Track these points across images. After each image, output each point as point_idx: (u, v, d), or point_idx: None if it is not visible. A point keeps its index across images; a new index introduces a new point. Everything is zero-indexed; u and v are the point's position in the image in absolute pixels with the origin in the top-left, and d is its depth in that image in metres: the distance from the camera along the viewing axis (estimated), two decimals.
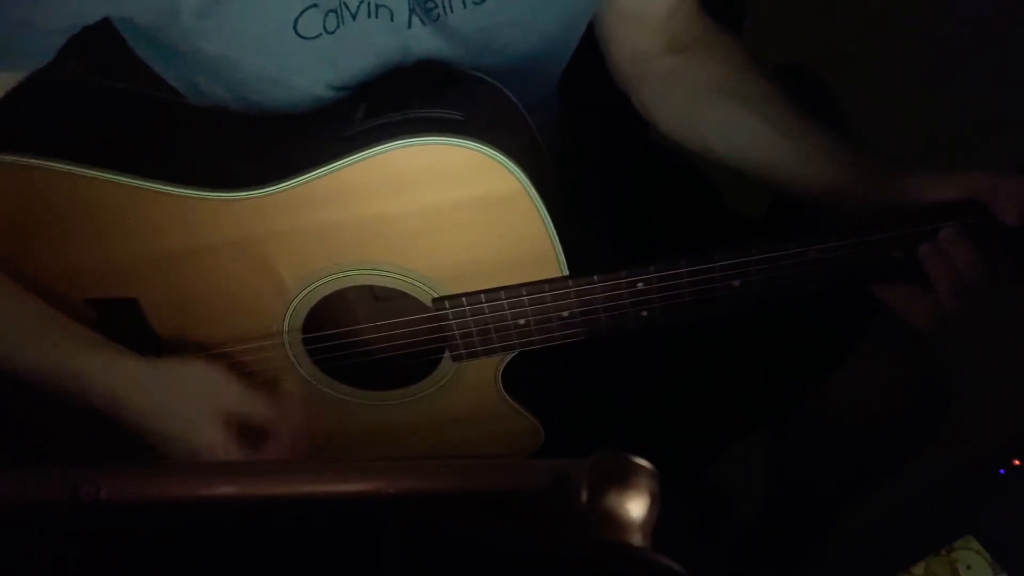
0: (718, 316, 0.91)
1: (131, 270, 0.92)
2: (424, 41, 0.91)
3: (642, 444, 0.50)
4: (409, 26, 0.90)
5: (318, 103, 0.93)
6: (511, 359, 0.96)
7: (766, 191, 1.05)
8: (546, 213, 0.86)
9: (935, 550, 0.88)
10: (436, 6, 0.90)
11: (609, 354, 0.99)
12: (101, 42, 0.93)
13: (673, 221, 1.13)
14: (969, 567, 0.87)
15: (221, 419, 0.92)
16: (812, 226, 0.91)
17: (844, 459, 1.16)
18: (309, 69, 0.90)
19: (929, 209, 0.87)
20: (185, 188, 0.88)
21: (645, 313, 0.91)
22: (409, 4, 0.88)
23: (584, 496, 0.45)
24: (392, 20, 0.89)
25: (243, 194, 0.88)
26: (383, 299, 0.97)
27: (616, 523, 0.45)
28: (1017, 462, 0.92)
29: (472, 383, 0.97)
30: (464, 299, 0.91)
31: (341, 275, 0.91)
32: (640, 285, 0.89)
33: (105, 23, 0.90)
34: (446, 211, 0.87)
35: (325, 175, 0.86)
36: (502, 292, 0.90)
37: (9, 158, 0.87)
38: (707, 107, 1.03)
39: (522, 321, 0.92)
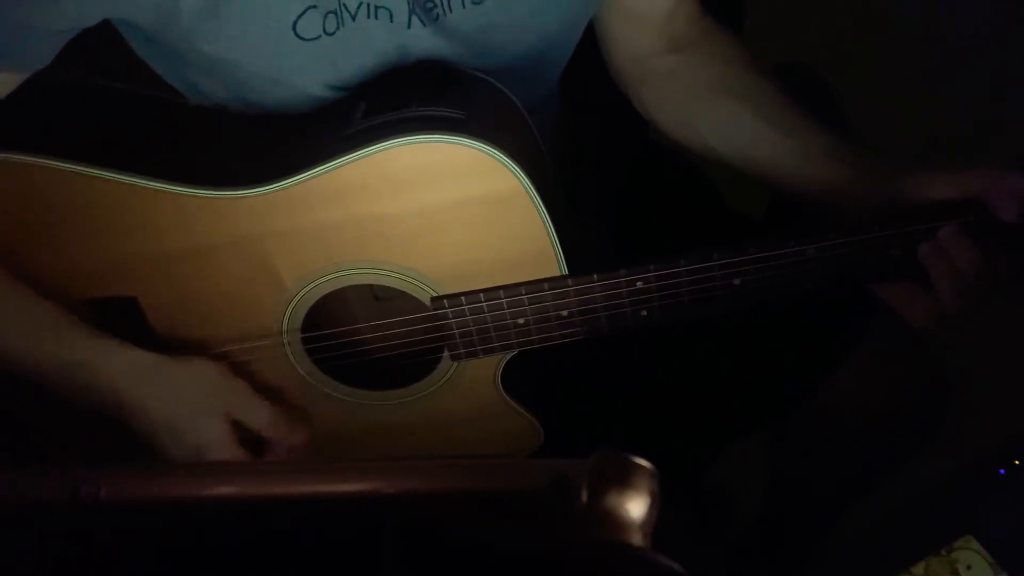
0: (717, 315, 0.91)
1: (130, 269, 0.92)
2: (423, 41, 0.91)
3: (642, 444, 0.50)
4: (409, 26, 0.90)
5: (318, 103, 0.93)
6: (510, 359, 0.96)
7: (766, 191, 1.05)
8: (546, 213, 0.86)
9: (935, 550, 0.88)
10: (436, 6, 0.90)
11: (609, 354, 0.99)
12: (101, 42, 0.93)
13: (673, 221, 1.13)
14: (969, 567, 0.87)
15: (223, 416, 0.92)
16: (811, 225, 0.91)
17: (844, 459, 1.16)
18: (308, 70, 0.90)
19: (929, 208, 0.87)
20: (185, 187, 0.88)
21: (645, 312, 0.91)
22: (408, 5, 0.88)
23: (584, 496, 0.45)
24: (391, 21, 0.89)
25: (242, 193, 0.88)
26: (382, 298, 0.97)
27: (616, 523, 0.45)
28: (1017, 462, 0.92)
29: (471, 383, 0.97)
30: (463, 298, 0.91)
31: (340, 274, 0.91)
32: (639, 284, 0.89)
33: (105, 24, 0.90)
34: (445, 210, 0.87)
35: (324, 174, 0.86)
36: (501, 291, 0.90)
37: (9, 156, 0.87)
38: (707, 107, 1.03)
39: (521, 321, 0.92)
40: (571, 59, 1.05)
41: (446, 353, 0.95)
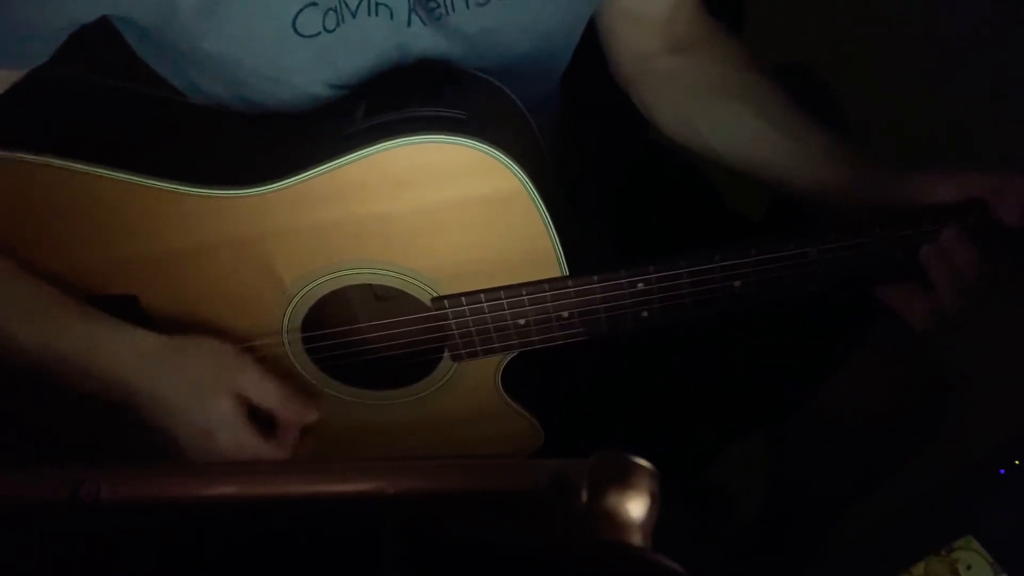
0: (718, 316, 0.91)
1: (131, 267, 0.92)
2: (424, 40, 0.91)
3: (642, 444, 0.50)
4: (409, 25, 0.90)
5: (318, 102, 0.93)
6: (511, 359, 0.96)
7: (766, 191, 1.05)
8: (546, 213, 0.86)
9: (935, 550, 0.88)
10: (438, 5, 0.90)
11: (609, 354, 0.99)
12: (101, 41, 0.93)
13: (673, 221, 1.13)
14: (969, 567, 0.87)
15: (232, 394, 0.91)
16: (812, 226, 0.91)
17: (844, 459, 1.16)
18: (308, 68, 0.90)
19: (930, 209, 0.87)
20: (185, 186, 0.88)
21: (645, 313, 0.91)
22: (409, 3, 0.88)
23: (584, 496, 0.45)
24: (392, 19, 0.89)
25: (243, 192, 0.88)
26: (382, 298, 0.97)
27: (616, 523, 0.45)
28: (1017, 462, 0.92)
29: (472, 383, 0.97)
30: (463, 299, 0.91)
31: (340, 274, 0.91)
32: (640, 285, 0.89)
33: (105, 22, 0.90)
34: (446, 210, 0.87)
35: (325, 173, 0.86)
36: (502, 292, 0.90)
37: (10, 155, 0.87)
38: (708, 107, 1.03)
39: (522, 321, 0.92)
40: (572, 59, 1.05)
41: (446, 353, 0.95)
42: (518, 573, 0.43)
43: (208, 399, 0.91)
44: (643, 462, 0.46)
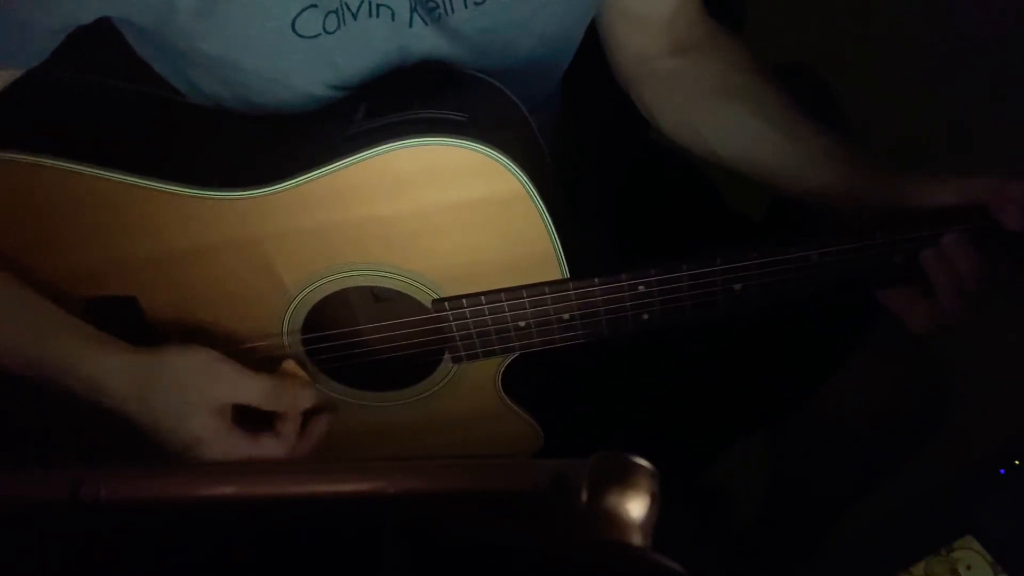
0: (719, 319, 0.91)
1: (130, 269, 0.92)
2: (425, 41, 0.91)
3: (642, 444, 0.50)
4: (410, 26, 0.90)
5: (318, 103, 0.93)
6: (511, 361, 0.96)
7: (766, 191, 1.05)
8: (547, 215, 0.86)
9: (935, 550, 0.88)
10: (437, 6, 0.90)
11: (609, 355, 0.99)
12: (101, 41, 0.93)
13: (673, 222, 1.13)
14: (969, 567, 0.87)
15: (211, 408, 0.90)
16: (812, 227, 0.91)
17: (844, 459, 1.16)
18: (308, 69, 0.90)
19: (930, 213, 0.87)
20: (185, 187, 0.88)
21: (646, 316, 0.91)
22: (410, 4, 0.88)
23: (584, 496, 0.45)
24: (393, 20, 0.89)
25: (243, 194, 0.88)
26: (383, 300, 0.97)
27: (616, 523, 0.45)
28: (1017, 462, 0.92)
29: (472, 385, 0.97)
30: (464, 301, 0.91)
31: (341, 276, 0.91)
32: (641, 288, 0.89)
33: (105, 22, 0.90)
34: (447, 212, 0.87)
35: (325, 175, 0.86)
36: (502, 294, 0.90)
37: (9, 156, 0.87)
38: (709, 109, 1.03)
39: (522, 323, 0.92)
40: (572, 59, 1.05)
41: (447, 355, 0.95)
42: (518, 573, 0.43)
43: (187, 418, 0.90)
44: (643, 462, 0.46)
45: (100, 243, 0.91)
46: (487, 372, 0.96)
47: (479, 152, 0.83)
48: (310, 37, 0.87)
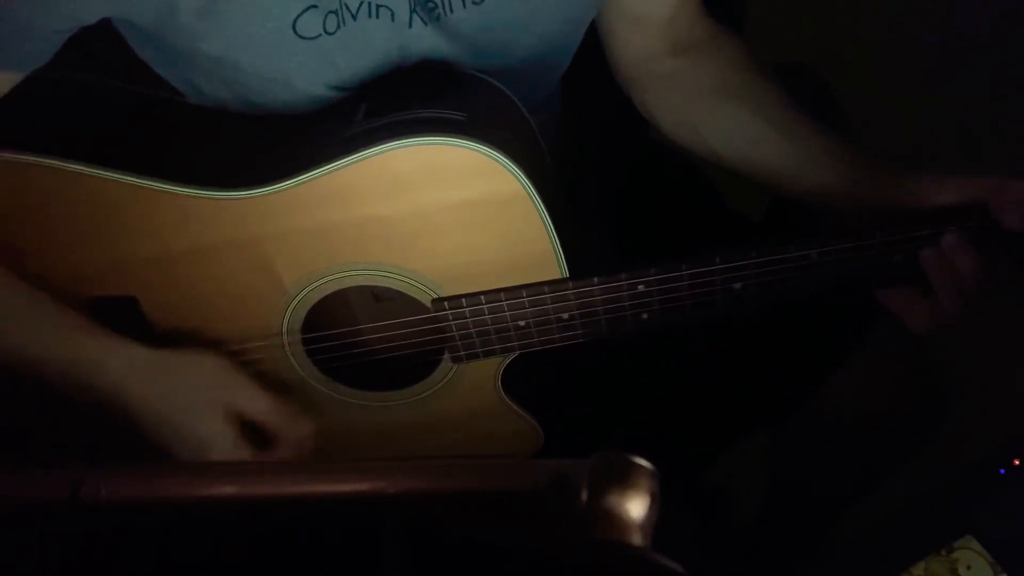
0: (718, 318, 0.91)
1: (130, 269, 0.92)
2: (425, 41, 0.91)
3: (642, 444, 0.50)
4: (410, 26, 0.90)
5: (318, 103, 0.93)
6: (511, 360, 0.96)
7: (766, 191, 1.05)
8: (547, 214, 0.86)
9: (935, 550, 0.88)
10: (437, 6, 0.90)
11: (609, 355, 0.99)
12: (102, 42, 0.93)
13: (673, 221, 1.13)
14: (969, 567, 0.87)
15: (225, 411, 0.91)
16: (812, 227, 0.91)
17: (844, 459, 1.16)
18: (309, 69, 0.90)
19: (930, 213, 0.87)
20: (185, 187, 0.88)
21: (645, 316, 0.91)
22: (410, 4, 0.88)
23: (584, 496, 0.45)
24: (393, 20, 0.89)
25: (243, 194, 0.88)
26: (383, 300, 0.97)
27: (616, 523, 0.45)
28: (1017, 462, 0.92)
29: (472, 384, 0.97)
30: (464, 300, 0.91)
31: (340, 275, 0.91)
32: (640, 288, 0.89)
33: (105, 24, 0.90)
34: (446, 212, 0.87)
35: (325, 175, 0.86)
36: (502, 293, 0.90)
37: (10, 156, 0.87)
38: (710, 109, 1.03)
39: (522, 323, 0.92)
40: (572, 60, 1.05)
41: (446, 355, 0.95)
42: (518, 573, 0.43)
43: (200, 418, 0.91)
44: (643, 462, 0.46)
45: (100, 243, 0.91)
46: (487, 372, 0.96)
47: (479, 152, 0.83)
48: (310, 38, 0.87)
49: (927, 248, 0.86)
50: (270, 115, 0.94)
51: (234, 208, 0.88)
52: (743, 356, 1.06)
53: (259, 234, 0.90)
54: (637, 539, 0.45)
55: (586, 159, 1.15)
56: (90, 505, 0.44)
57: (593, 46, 1.07)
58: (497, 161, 0.84)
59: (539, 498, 0.45)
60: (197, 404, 0.92)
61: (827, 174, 0.93)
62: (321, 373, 0.98)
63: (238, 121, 0.96)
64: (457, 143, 0.83)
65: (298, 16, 0.86)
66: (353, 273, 0.91)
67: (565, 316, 0.91)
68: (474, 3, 0.91)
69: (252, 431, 0.93)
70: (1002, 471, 0.92)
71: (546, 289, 0.90)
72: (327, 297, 0.93)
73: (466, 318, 0.92)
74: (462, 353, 0.94)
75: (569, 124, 1.14)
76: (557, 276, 0.90)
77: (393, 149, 0.84)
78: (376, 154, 0.84)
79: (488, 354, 0.94)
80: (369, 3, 0.87)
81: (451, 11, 0.91)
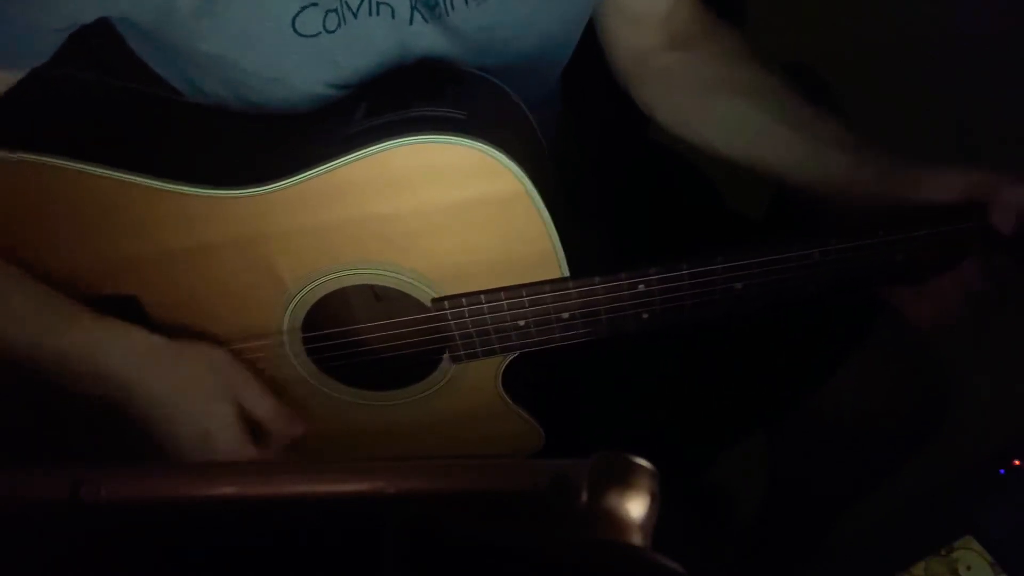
0: (719, 318, 0.91)
1: (131, 267, 0.92)
2: (425, 39, 0.91)
3: (642, 444, 0.50)
4: (411, 24, 0.90)
5: (318, 102, 0.93)
6: (511, 360, 0.96)
7: (766, 191, 1.05)
8: (547, 214, 0.86)
9: (935, 550, 0.88)
10: (437, 4, 0.90)
11: (609, 355, 0.99)
12: (101, 41, 0.93)
13: (673, 221, 1.13)
14: (969, 567, 0.87)
15: (232, 399, 0.93)
16: (812, 228, 0.91)
17: (844, 459, 1.16)
18: (308, 67, 0.90)
19: (931, 212, 0.86)
20: (185, 186, 0.88)
21: (646, 315, 0.91)
22: (411, 2, 0.88)
23: (584, 496, 0.45)
24: (393, 18, 0.89)
25: (243, 192, 0.88)
26: (383, 299, 0.97)
27: (616, 523, 0.44)
28: (1017, 462, 0.92)
29: (472, 384, 0.97)
30: (464, 300, 0.91)
31: (340, 274, 0.91)
32: (641, 287, 0.89)
33: (105, 22, 0.90)
34: (446, 211, 0.87)
35: (325, 173, 0.86)
36: (502, 293, 0.90)
37: (11, 155, 0.87)
38: (711, 102, 1.02)
39: (522, 322, 0.92)
40: (571, 58, 1.05)
41: (446, 354, 0.95)
42: (518, 573, 0.43)
43: (209, 403, 0.92)
44: (643, 462, 0.46)
45: (101, 242, 0.91)
46: (487, 371, 0.96)
47: (479, 151, 0.83)
48: (310, 36, 0.87)
49: (943, 273, 0.85)
50: (270, 114, 0.94)
51: (234, 207, 0.88)
52: (743, 356, 1.06)
53: (259, 233, 0.90)
54: (637, 539, 0.45)
55: (586, 158, 1.15)
56: (90, 505, 0.44)
57: (592, 44, 1.07)
58: (497, 160, 0.84)
59: (539, 498, 0.45)
60: (207, 391, 0.92)
61: (831, 163, 0.92)
62: (321, 372, 0.98)
63: (238, 120, 0.96)
64: (457, 142, 0.83)
65: (297, 14, 0.86)
66: (353, 272, 0.91)
67: (565, 316, 0.91)
68: (476, 1, 0.91)
69: (249, 423, 0.94)
70: (1002, 471, 0.92)
71: (546, 288, 0.90)
72: (327, 296, 0.93)
73: (466, 317, 0.92)
74: (462, 353, 0.94)
75: (569, 123, 1.14)
76: (557, 275, 0.90)
77: (393, 148, 0.84)
78: (376, 153, 0.84)
79: (488, 354, 0.94)
80: (370, 1, 0.87)
81: (452, 9, 0.91)
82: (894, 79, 1.79)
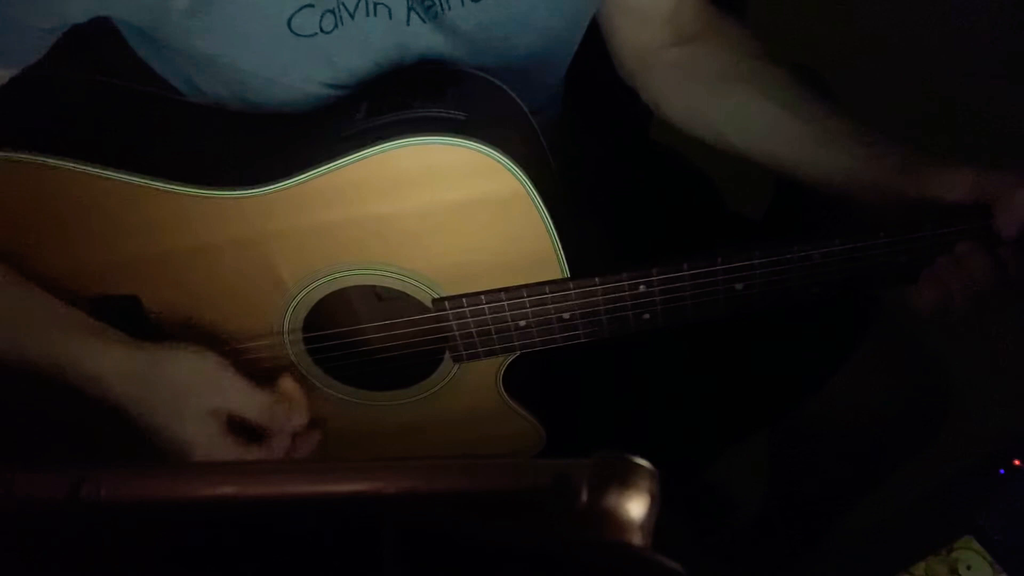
0: (720, 318, 0.91)
1: (132, 267, 0.92)
2: (423, 39, 0.91)
3: (642, 444, 0.50)
4: (408, 24, 0.90)
5: (317, 102, 0.93)
6: (512, 360, 0.96)
7: (767, 193, 1.05)
8: (547, 214, 0.86)
9: (935, 550, 0.88)
10: (434, 3, 0.90)
11: (609, 355, 0.99)
12: (101, 41, 0.93)
13: (674, 222, 1.13)
14: (969, 567, 0.87)
15: (207, 412, 0.90)
16: (813, 227, 0.91)
17: (844, 459, 1.16)
18: (305, 67, 0.90)
19: (934, 213, 0.86)
20: (186, 186, 0.88)
21: (647, 316, 0.91)
22: (407, 2, 0.88)
23: (584, 496, 0.45)
24: (390, 18, 0.89)
25: (244, 193, 0.88)
26: (384, 299, 0.97)
27: (616, 523, 0.44)
28: (1017, 462, 0.92)
29: (473, 384, 0.97)
30: (464, 300, 0.91)
31: (341, 275, 0.91)
32: (642, 287, 0.89)
33: (105, 22, 0.90)
34: (447, 211, 0.87)
35: (326, 174, 0.86)
36: (503, 293, 0.90)
37: (12, 155, 0.87)
38: (720, 96, 1.01)
39: (523, 322, 0.92)
40: (573, 60, 1.05)
41: (447, 354, 0.95)
42: (518, 573, 0.43)
43: (182, 418, 0.90)
44: (643, 462, 0.46)
45: (102, 242, 0.91)
46: (488, 372, 0.96)
47: (478, 151, 0.83)
48: (306, 36, 0.87)
49: (942, 255, 0.85)
50: (271, 114, 0.94)
51: (235, 207, 0.88)
52: (743, 356, 1.06)
53: (260, 233, 0.90)
54: (637, 539, 0.45)
55: (587, 158, 1.15)
56: (90, 505, 0.44)
57: (593, 45, 1.07)
58: (497, 160, 0.84)
59: (539, 498, 0.45)
60: (177, 407, 0.90)
61: (844, 156, 0.91)
62: (322, 372, 0.98)
63: (238, 120, 0.96)
64: (457, 142, 0.83)
65: (293, 14, 0.86)
66: (354, 272, 0.91)
67: (566, 316, 0.91)
68: (472, 0, 0.90)
69: (242, 427, 0.92)
70: (1002, 471, 0.92)
71: (547, 289, 0.90)
72: (328, 296, 0.93)
73: (467, 318, 0.92)
74: (463, 353, 0.94)
75: (570, 124, 1.14)
76: (558, 276, 0.90)
77: (393, 148, 0.84)
78: (376, 153, 0.84)
79: (489, 354, 0.94)
80: (367, 1, 0.87)
81: (449, 8, 0.90)
82: (894, 79, 1.79)
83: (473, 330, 0.92)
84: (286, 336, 0.95)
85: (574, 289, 0.90)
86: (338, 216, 0.88)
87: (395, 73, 0.92)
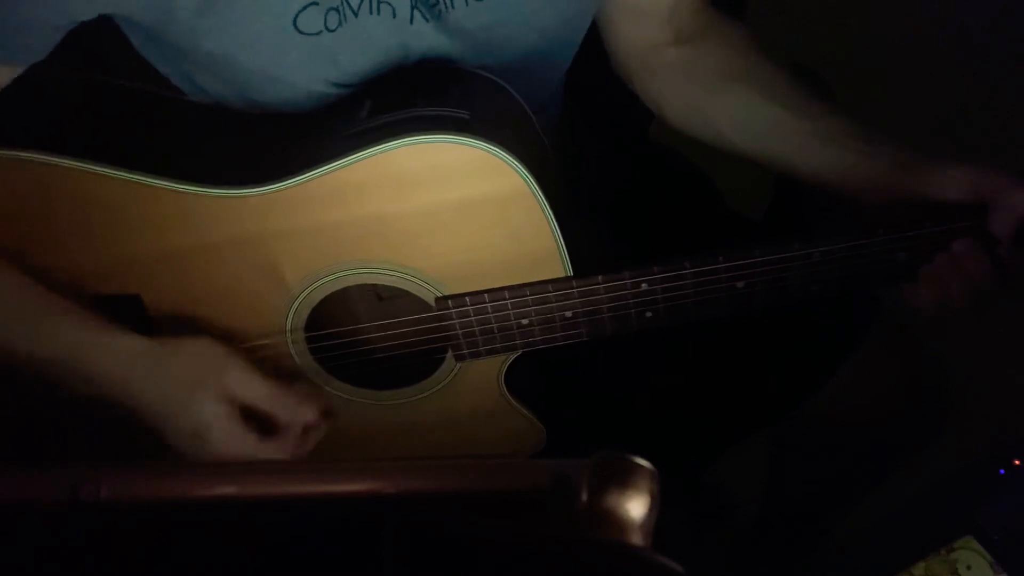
0: (721, 317, 0.91)
1: (134, 267, 0.92)
2: (426, 38, 0.91)
3: (642, 444, 0.50)
4: (411, 22, 0.90)
5: (320, 101, 0.93)
6: (514, 359, 0.96)
7: (767, 192, 1.05)
8: (551, 213, 0.86)
9: (935, 550, 0.88)
10: (438, 2, 0.90)
11: (611, 354, 0.99)
12: (104, 40, 0.93)
13: (674, 221, 1.13)
14: (969, 567, 0.87)
15: (222, 395, 0.89)
16: (812, 226, 0.91)
17: (844, 459, 1.16)
18: (309, 66, 0.90)
19: (933, 212, 0.86)
20: (189, 185, 0.88)
21: (649, 314, 0.91)
22: (411, 1, 0.88)
23: (584, 496, 0.45)
24: (394, 17, 0.89)
25: (247, 192, 0.88)
26: (386, 298, 0.98)
27: (616, 523, 0.44)
28: (1017, 462, 0.92)
29: (475, 383, 0.97)
30: (467, 298, 0.91)
31: (344, 274, 0.91)
32: (644, 286, 0.89)
33: (108, 21, 0.90)
34: (450, 210, 0.87)
35: (329, 173, 0.86)
36: (505, 292, 0.90)
37: (13, 154, 0.87)
38: (720, 96, 1.02)
39: (525, 321, 0.92)
40: (574, 60, 1.05)
41: (450, 353, 0.95)
42: (518, 573, 0.43)
43: (194, 402, 0.89)
44: (643, 462, 0.46)
45: (103, 241, 0.91)
46: (490, 370, 0.96)
47: (482, 150, 0.83)
48: (311, 34, 0.87)
49: (940, 252, 0.85)
50: (273, 113, 0.94)
51: (237, 206, 0.88)
52: (744, 356, 1.06)
53: (262, 232, 0.90)
54: (637, 539, 0.45)
55: (589, 158, 1.15)
56: (90, 505, 0.44)
57: (594, 45, 1.07)
58: (501, 159, 0.84)
59: (539, 498, 0.45)
60: (190, 389, 0.89)
61: (844, 154, 0.92)
62: (324, 371, 0.98)
63: (241, 119, 0.96)
64: (461, 141, 0.83)
65: (299, 13, 0.86)
66: (356, 271, 0.91)
67: (568, 315, 0.91)
68: None
69: (253, 418, 0.91)
70: (1002, 471, 0.92)
71: (550, 287, 0.90)
72: (330, 295, 0.93)
73: (469, 316, 0.92)
74: (465, 352, 0.94)
75: (572, 123, 1.14)
76: (560, 274, 0.90)
77: (397, 147, 0.84)
78: (380, 152, 0.84)
79: (491, 353, 0.94)
80: (370, 0, 0.87)
81: (452, 7, 0.91)
82: (894, 79, 1.79)
83: (476, 329, 0.92)
84: (288, 335, 0.95)
85: (577, 288, 0.90)
86: (342, 215, 0.88)
87: (398, 72, 0.92)
